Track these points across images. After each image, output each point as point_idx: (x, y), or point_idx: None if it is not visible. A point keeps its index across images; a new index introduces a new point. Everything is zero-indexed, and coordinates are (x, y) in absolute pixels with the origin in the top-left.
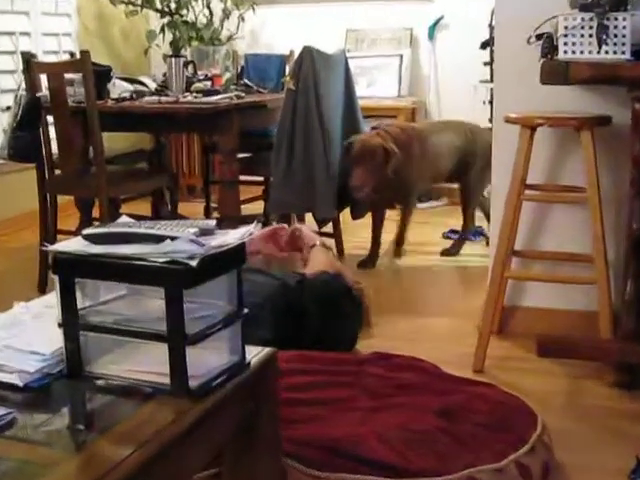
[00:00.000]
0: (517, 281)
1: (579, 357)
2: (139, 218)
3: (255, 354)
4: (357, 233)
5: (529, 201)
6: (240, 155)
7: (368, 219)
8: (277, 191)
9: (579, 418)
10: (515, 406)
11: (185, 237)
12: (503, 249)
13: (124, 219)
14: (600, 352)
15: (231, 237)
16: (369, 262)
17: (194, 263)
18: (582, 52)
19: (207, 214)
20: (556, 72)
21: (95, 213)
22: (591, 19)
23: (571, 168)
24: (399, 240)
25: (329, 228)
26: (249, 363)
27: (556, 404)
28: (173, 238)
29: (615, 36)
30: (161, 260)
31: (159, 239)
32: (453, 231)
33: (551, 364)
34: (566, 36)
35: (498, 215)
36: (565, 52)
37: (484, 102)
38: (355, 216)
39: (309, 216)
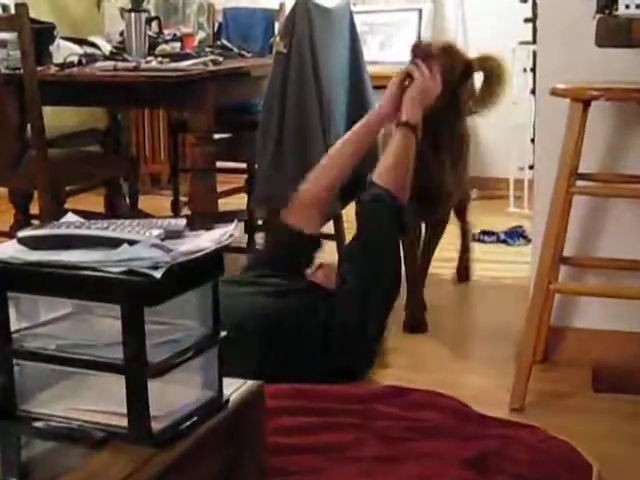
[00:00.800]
0: (567, 296)
1: None
2: (89, 216)
3: (235, 388)
4: None
5: (581, 195)
6: (217, 136)
7: None
8: (263, 181)
9: None
10: (564, 454)
11: (147, 241)
12: (548, 255)
13: (70, 217)
14: None
15: (205, 241)
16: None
17: (158, 274)
18: None
19: (175, 210)
20: (616, 31)
21: (34, 209)
22: None
23: (634, 153)
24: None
25: (329, 228)
26: (227, 400)
27: (617, 452)
28: (132, 242)
29: None
30: (116, 270)
31: (114, 243)
32: (486, 232)
33: (610, 401)
34: None
35: (542, 212)
36: (627, 6)
37: (525, 69)
38: None
39: None
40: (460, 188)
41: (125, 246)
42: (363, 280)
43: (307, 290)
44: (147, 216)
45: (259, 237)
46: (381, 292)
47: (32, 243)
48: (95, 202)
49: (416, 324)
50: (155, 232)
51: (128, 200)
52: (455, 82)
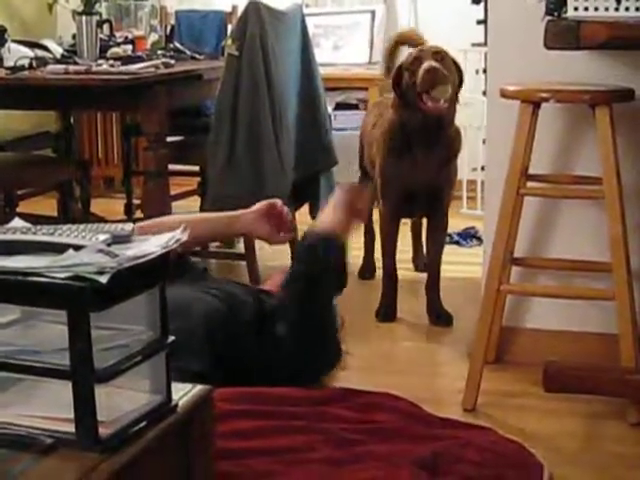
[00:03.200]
0: (518, 297)
1: (595, 392)
2: (41, 220)
3: (184, 393)
4: None
5: (532, 196)
6: (169, 139)
7: None
8: (216, 183)
9: (596, 468)
10: (515, 455)
11: (93, 246)
12: (499, 256)
13: (16, 222)
14: (622, 385)
15: (152, 245)
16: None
17: (104, 279)
18: (597, 9)
19: (128, 213)
20: (564, 34)
21: None
22: None
23: (584, 154)
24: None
25: None
26: (176, 405)
27: (567, 451)
28: (77, 247)
29: None
30: (62, 275)
31: (60, 249)
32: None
33: (561, 401)
34: None
35: (493, 213)
36: (576, 9)
37: (477, 71)
38: (316, 214)
39: None
40: (451, 184)
41: (71, 251)
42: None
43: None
44: (99, 219)
45: None
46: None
47: None
48: (48, 206)
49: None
50: (102, 237)
51: (80, 203)
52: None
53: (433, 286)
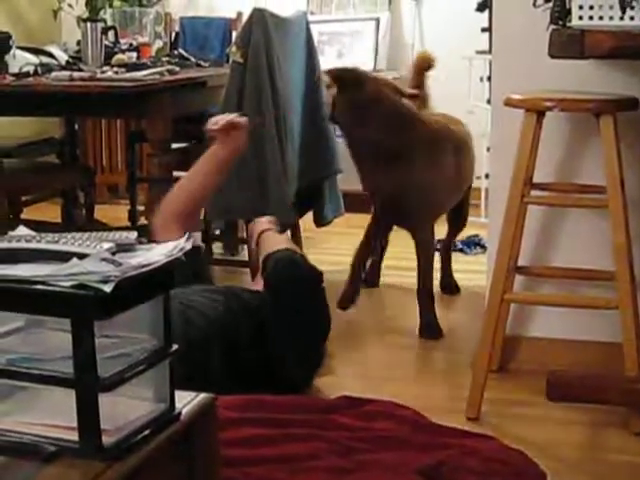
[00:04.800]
0: (521, 305)
1: (599, 401)
2: (45, 226)
3: (188, 401)
4: (322, 244)
5: (536, 205)
6: (174, 145)
7: (336, 226)
8: (220, 192)
9: (599, 477)
10: (518, 464)
11: (97, 254)
12: (503, 265)
13: (21, 230)
14: (625, 394)
15: (156, 254)
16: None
17: (108, 288)
18: (601, 18)
19: (132, 220)
20: (569, 43)
21: None
22: None
23: (588, 163)
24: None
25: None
26: (180, 413)
27: (571, 460)
28: (81, 256)
29: None
30: (66, 284)
31: (64, 257)
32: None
33: (564, 410)
34: None
35: (497, 222)
36: (580, 18)
37: (482, 79)
38: (320, 222)
39: None
40: (420, 198)
41: (75, 260)
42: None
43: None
44: (103, 226)
45: (216, 247)
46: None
47: None
48: (52, 212)
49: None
50: (106, 246)
51: (85, 210)
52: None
53: (422, 301)
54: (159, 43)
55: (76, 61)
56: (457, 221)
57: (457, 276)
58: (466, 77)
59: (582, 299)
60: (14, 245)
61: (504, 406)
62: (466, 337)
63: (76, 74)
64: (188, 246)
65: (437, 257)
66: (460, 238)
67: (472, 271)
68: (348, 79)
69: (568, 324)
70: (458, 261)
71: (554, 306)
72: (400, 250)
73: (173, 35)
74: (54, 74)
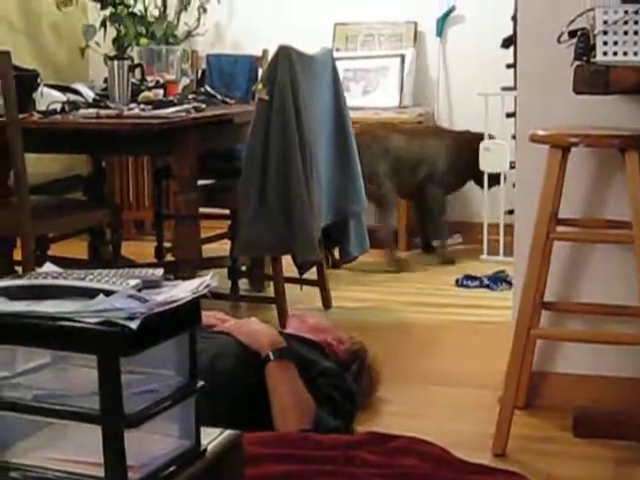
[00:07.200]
0: (548, 341)
1: (625, 437)
2: (72, 263)
3: (213, 438)
4: (348, 280)
5: (562, 240)
6: (200, 182)
7: (362, 263)
8: (246, 228)
9: None
10: None
11: (123, 291)
12: (529, 300)
13: (48, 267)
14: None
15: (182, 291)
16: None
17: (134, 324)
18: (626, 53)
19: (159, 256)
20: (593, 78)
21: (18, 255)
22: (637, 12)
23: (614, 198)
24: None
25: (312, 274)
26: (205, 449)
27: None
28: (108, 292)
29: None
30: (93, 320)
31: (91, 294)
32: (470, 277)
33: (592, 446)
34: (606, 33)
35: (523, 257)
36: (605, 53)
37: (507, 114)
38: (346, 259)
39: (287, 259)
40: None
41: (101, 296)
42: None
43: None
44: (130, 262)
45: (242, 283)
46: None
47: (9, 293)
48: (79, 248)
49: None
50: (132, 282)
51: (112, 247)
52: None
53: None
54: (186, 80)
55: (103, 99)
56: None
57: (484, 312)
58: (491, 113)
59: (608, 335)
60: (41, 282)
61: (531, 442)
62: (492, 373)
63: (103, 112)
64: (214, 283)
65: None
66: (486, 274)
67: (499, 307)
68: None
69: (594, 360)
70: (485, 297)
71: (580, 342)
72: (423, 286)
73: (200, 72)
74: (81, 112)
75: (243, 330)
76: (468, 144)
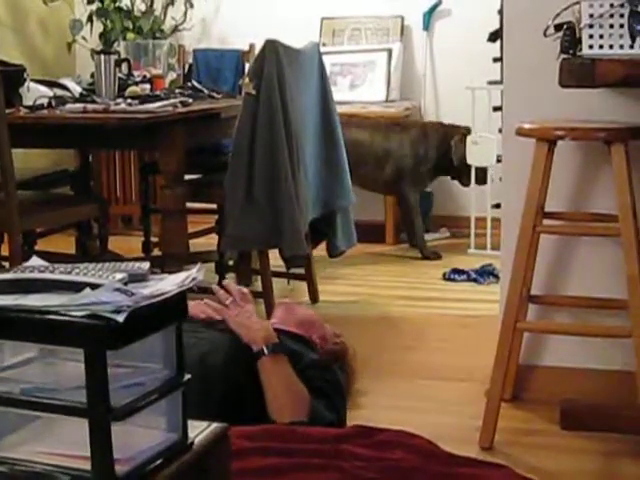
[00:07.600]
0: (535, 334)
1: (612, 430)
2: (59, 258)
3: (200, 431)
4: (335, 274)
5: (548, 234)
6: (187, 177)
7: (348, 258)
8: (234, 222)
9: None
10: None
11: (110, 285)
12: (516, 294)
13: (34, 261)
14: (639, 423)
15: (169, 284)
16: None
17: (120, 318)
18: (612, 47)
19: (146, 250)
20: (579, 72)
21: (4, 251)
22: (622, 5)
23: (600, 191)
24: None
25: (300, 268)
26: (192, 442)
27: None
28: (94, 286)
29: None
30: (79, 314)
31: (77, 287)
32: (457, 271)
33: (579, 439)
34: (591, 27)
35: (510, 251)
36: (590, 47)
37: (494, 108)
38: (333, 253)
39: (274, 253)
40: None
41: (88, 290)
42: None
43: None
44: (117, 257)
45: (229, 278)
46: None
47: None
48: (66, 243)
49: None
50: (118, 276)
51: (99, 241)
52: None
53: None
54: (172, 75)
55: (90, 93)
56: None
57: (471, 305)
58: (478, 107)
59: (595, 328)
60: (27, 275)
61: (517, 435)
62: (479, 366)
63: (90, 106)
64: (200, 276)
65: None
66: (474, 267)
67: (486, 301)
68: None
69: (581, 353)
70: (472, 291)
71: (567, 335)
72: (411, 280)
73: (186, 67)
74: (68, 106)
75: (238, 320)
76: (439, 136)
